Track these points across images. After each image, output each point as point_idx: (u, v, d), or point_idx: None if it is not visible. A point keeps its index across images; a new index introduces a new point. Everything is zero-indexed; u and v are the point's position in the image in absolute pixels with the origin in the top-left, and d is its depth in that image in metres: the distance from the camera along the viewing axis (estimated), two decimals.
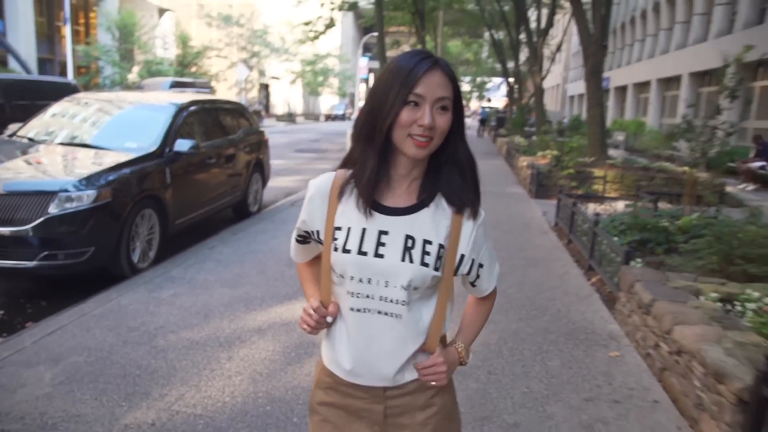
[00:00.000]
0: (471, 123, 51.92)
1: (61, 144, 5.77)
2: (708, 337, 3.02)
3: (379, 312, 1.34)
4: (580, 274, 5.73)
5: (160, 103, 6.66)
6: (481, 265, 1.42)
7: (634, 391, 3.33)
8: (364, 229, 1.33)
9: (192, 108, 6.66)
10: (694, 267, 4.82)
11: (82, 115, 6.45)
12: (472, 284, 1.46)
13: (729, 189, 11.73)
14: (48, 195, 4.64)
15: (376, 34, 25.58)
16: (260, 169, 8.56)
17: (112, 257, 5.04)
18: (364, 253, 1.32)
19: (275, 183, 10.17)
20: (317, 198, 1.40)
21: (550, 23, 22.72)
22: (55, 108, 6.64)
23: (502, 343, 3.91)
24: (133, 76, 30.81)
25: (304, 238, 1.48)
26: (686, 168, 8.52)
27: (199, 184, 6.54)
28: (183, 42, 35.05)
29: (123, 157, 5.38)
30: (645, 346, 3.74)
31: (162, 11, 37.55)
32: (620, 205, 8.73)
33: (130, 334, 3.89)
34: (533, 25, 25.51)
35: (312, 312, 1.38)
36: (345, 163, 1.41)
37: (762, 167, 13.31)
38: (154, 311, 4.31)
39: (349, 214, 1.35)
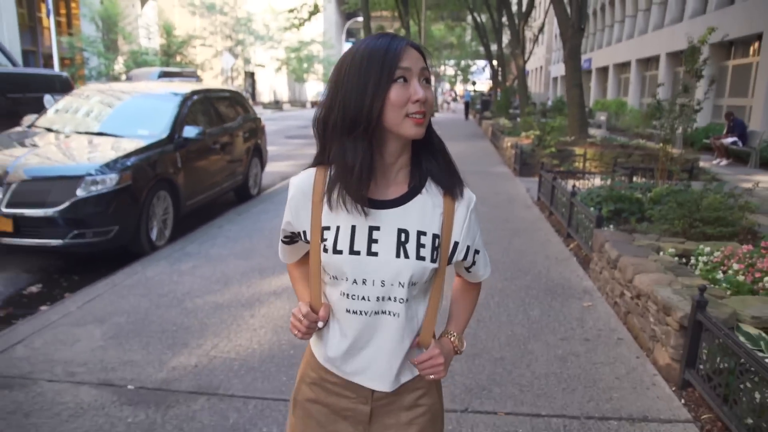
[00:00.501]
0: (457, 107, 52.38)
1: (79, 133, 6.21)
2: (661, 281, 3.59)
3: (377, 312, 1.28)
4: (560, 241, 6.29)
5: (167, 92, 7.11)
6: (477, 252, 1.37)
7: (602, 331, 3.90)
8: (353, 227, 1.26)
9: (196, 97, 7.11)
10: (659, 230, 5.39)
11: (94, 105, 6.89)
12: (468, 270, 1.41)
13: (703, 164, 12.36)
14: (75, 179, 5.11)
15: (359, 19, 25.99)
16: (259, 154, 9.03)
17: (133, 235, 5.52)
18: (357, 253, 1.26)
19: (270, 168, 10.61)
20: (300, 197, 1.32)
21: (531, 6, 23.18)
22: (68, 99, 7.08)
23: (489, 298, 4.46)
24: (119, 67, 30.91)
25: (291, 239, 1.41)
26: (661, 144, 9.09)
27: (206, 168, 7.01)
28: (167, 31, 35.04)
29: (137, 144, 5.84)
30: (613, 296, 4.31)
31: (144, 0, 37.46)
32: (598, 181, 9.28)
33: (161, 299, 4.40)
34: (515, 8, 25.99)
35: (302, 318, 1.32)
36: (318, 164, 1.33)
37: (734, 142, 13.97)
38: (178, 280, 4.81)
39: (337, 211, 1.27)
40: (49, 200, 5.04)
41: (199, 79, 27.08)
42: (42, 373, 3.21)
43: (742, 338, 2.87)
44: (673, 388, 3.15)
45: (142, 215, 5.58)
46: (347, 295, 1.28)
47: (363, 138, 1.20)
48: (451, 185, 1.30)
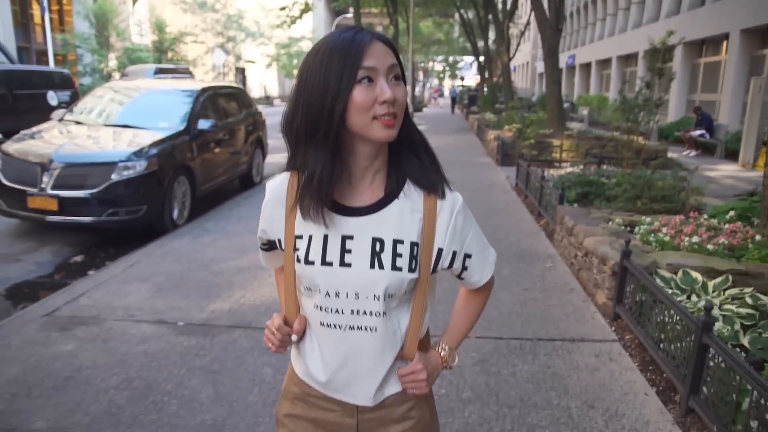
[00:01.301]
0: (444, 102, 53.24)
1: (107, 125, 6.99)
2: (604, 241, 4.46)
3: (352, 327, 1.21)
4: (532, 219, 7.17)
5: (182, 89, 7.90)
6: (468, 256, 1.27)
7: (558, 285, 4.77)
8: (326, 236, 1.19)
9: (207, 93, 7.90)
10: (615, 207, 6.27)
11: (117, 101, 7.67)
12: (459, 277, 1.32)
13: (674, 155, 13.30)
14: (110, 165, 5.91)
15: (348, 15, 26.71)
16: (260, 145, 9.86)
17: (158, 214, 6.32)
18: (329, 264, 1.19)
19: (269, 159, 11.41)
20: (274, 203, 1.26)
21: (515, 5, 24.04)
22: (92, 96, 7.84)
23: None
24: (112, 63, 31.46)
25: (269, 246, 1.33)
26: (635, 137, 9.96)
27: (217, 157, 7.81)
28: (159, 28, 35.59)
29: (159, 135, 6.62)
30: (569, 258, 5.18)
31: None
32: (570, 169, 10.17)
33: (191, 264, 5.21)
34: (500, 6, 26.85)
35: (274, 330, 1.27)
36: (291, 166, 1.24)
37: (701, 135, 14.94)
38: (202, 251, 5.62)
39: (308, 219, 1.19)
40: (88, 183, 5.83)
41: (191, 75, 27.75)
42: (108, 315, 4.03)
43: (658, 280, 3.74)
44: (607, 320, 4.03)
45: (165, 197, 6.38)
46: (320, 307, 1.22)
47: (324, 143, 1.12)
48: (432, 186, 1.22)
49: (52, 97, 16.85)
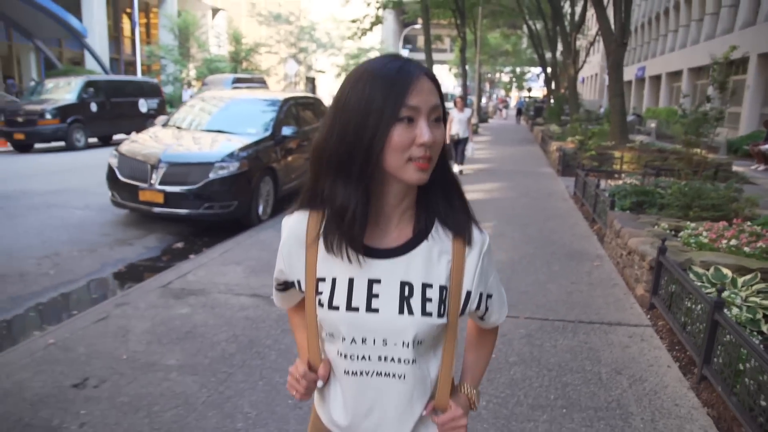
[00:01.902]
0: (509, 113, 53.34)
1: (203, 130, 7.92)
2: (646, 242, 4.93)
3: (379, 374, 1.15)
4: (586, 225, 7.61)
5: (269, 98, 8.78)
6: (489, 296, 1.24)
7: (603, 280, 5.25)
8: (351, 280, 1.13)
9: (289, 102, 8.74)
10: (665, 214, 6.65)
11: (209, 109, 8.62)
12: (481, 318, 1.29)
13: (741, 169, 13.29)
14: (208, 165, 6.79)
15: (417, 26, 27.40)
16: None
17: (246, 210, 7.16)
18: (355, 309, 1.12)
19: None
20: (293, 242, 1.19)
21: (582, 18, 24.19)
22: (189, 105, 8.83)
23: (522, 259, 5.85)
24: (192, 73, 33.45)
25: (285, 287, 1.27)
26: (698, 150, 10.19)
27: (296, 160, 8.62)
28: (236, 39, 37.47)
29: (249, 140, 7.48)
30: (616, 258, 5.65)
31: (215, 11, 40.02)
32: (629, 179, 10.48)
33: (275, 252, 5.95)
34: (569, 18, 27.02)
35: (299, 377, 1.22)
36: (310, 200, 1.16)
37: None
38: None
39: (332, 260, 1.13)
40: (189, 180, 6.73)
41: (265, 84, 29.18)
42: (211, 289, 4.82)
43: (691, 275, 4.20)
44: (643, 309, 4.51)
45: (253, 194, 7.21)
46: (344, 355, 1.16)
47: (360, 179, 1.06)
48: (461, 228, 1.16)
49: (143, 105, 18.41)
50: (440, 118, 1.09)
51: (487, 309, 1.25)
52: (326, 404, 1.26)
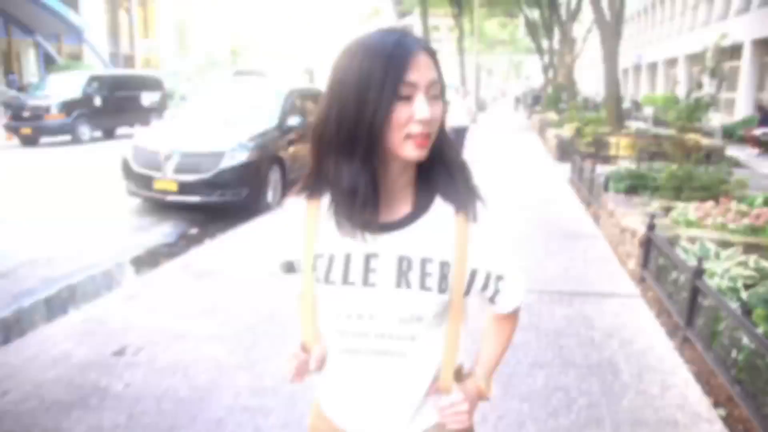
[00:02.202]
0: (507, 102, 53.50)
1: (213, 122, 8.20)
2: (637, 220, 5.25)
3: (377, 352, 1.13)
4: (582, 207, 7.93)
5: (275, 89, 9.05)
6: (500, 277, 1.18)
7: (598, 257, 5.58)
8: (348, 255, 1.11)
9: (294, 93, 9.02)
10: (658, 196, 6.96)
11: (220, 101, 8.91)
12: (491, 300, 1.22)
13: (736, 153, 13.58)
14: (220, 154, 7.09)
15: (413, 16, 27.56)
16: None
17: (256, 197, 7.46)
18: (351, 284, 1.11)
19: None
20: (292, 222, 1.19)
21: (578, 6, 24.39)
22: (201, 97, 9.12)
23: (520, 238, 6.17)
24: (191, 67, 33.63)
25: (288, 269, 1.25)
26: (691, 135, 10.49)
27: (303, 150, 8.91)
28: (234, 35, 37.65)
29: (258, 130, 7.76)
30: (610, 236, 5.97)
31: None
32: (624, 164, 10.78)
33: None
34: (565, 6, 27.19)
35: (290, 357, 1.20)
36: (312, 181, 1.15)
37: (764, 133, 15.07)
38: None
39: (329, 236, 1.12)
40: (202, 169, 7.04)
41: (265, 76, 29.38)
42: (229, 269, 5.14)
43: (679, 250, 4.52)
44: (634, 282, 4.84)
45: (262, 182, 7.52)
46: (342, 332, 1.15)
47: (365, 160, 1.04)
48: (464, 203, 1.13)
49: (145, 99, 18.65)
50: (438, 94, 1.05)
51: (497, 291, 1.20)
52: (326, 389, 1.26)
